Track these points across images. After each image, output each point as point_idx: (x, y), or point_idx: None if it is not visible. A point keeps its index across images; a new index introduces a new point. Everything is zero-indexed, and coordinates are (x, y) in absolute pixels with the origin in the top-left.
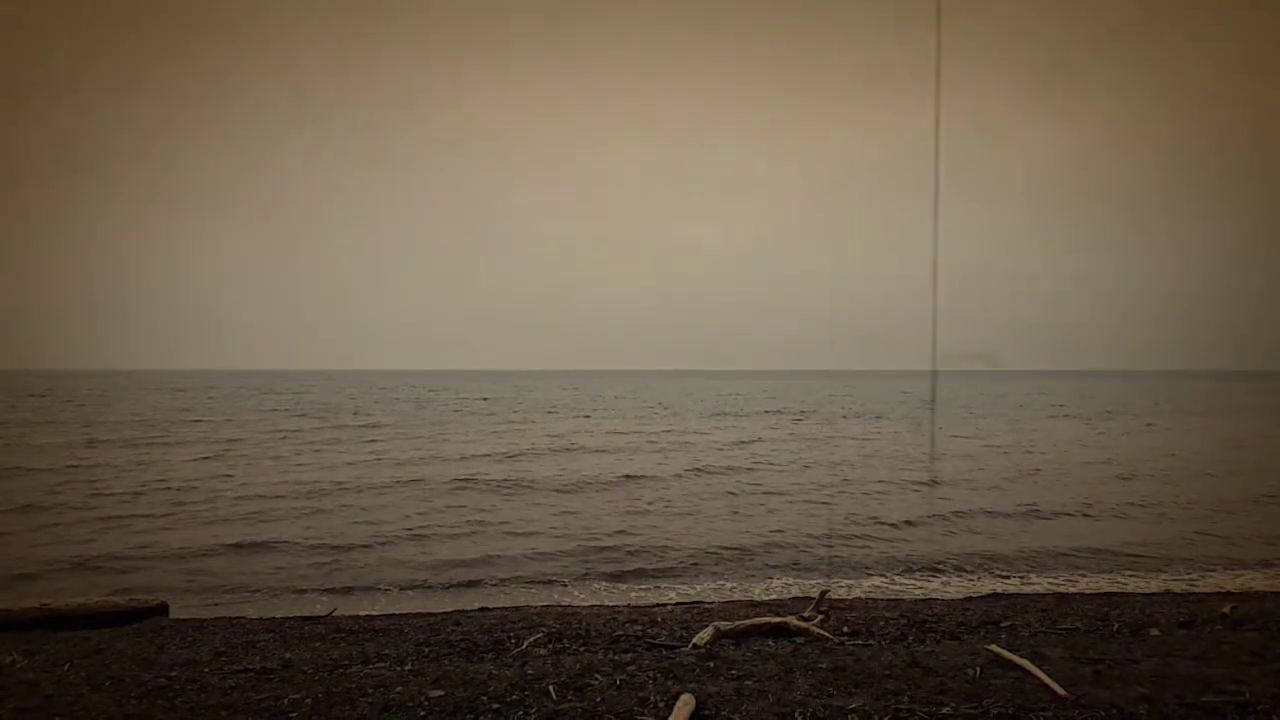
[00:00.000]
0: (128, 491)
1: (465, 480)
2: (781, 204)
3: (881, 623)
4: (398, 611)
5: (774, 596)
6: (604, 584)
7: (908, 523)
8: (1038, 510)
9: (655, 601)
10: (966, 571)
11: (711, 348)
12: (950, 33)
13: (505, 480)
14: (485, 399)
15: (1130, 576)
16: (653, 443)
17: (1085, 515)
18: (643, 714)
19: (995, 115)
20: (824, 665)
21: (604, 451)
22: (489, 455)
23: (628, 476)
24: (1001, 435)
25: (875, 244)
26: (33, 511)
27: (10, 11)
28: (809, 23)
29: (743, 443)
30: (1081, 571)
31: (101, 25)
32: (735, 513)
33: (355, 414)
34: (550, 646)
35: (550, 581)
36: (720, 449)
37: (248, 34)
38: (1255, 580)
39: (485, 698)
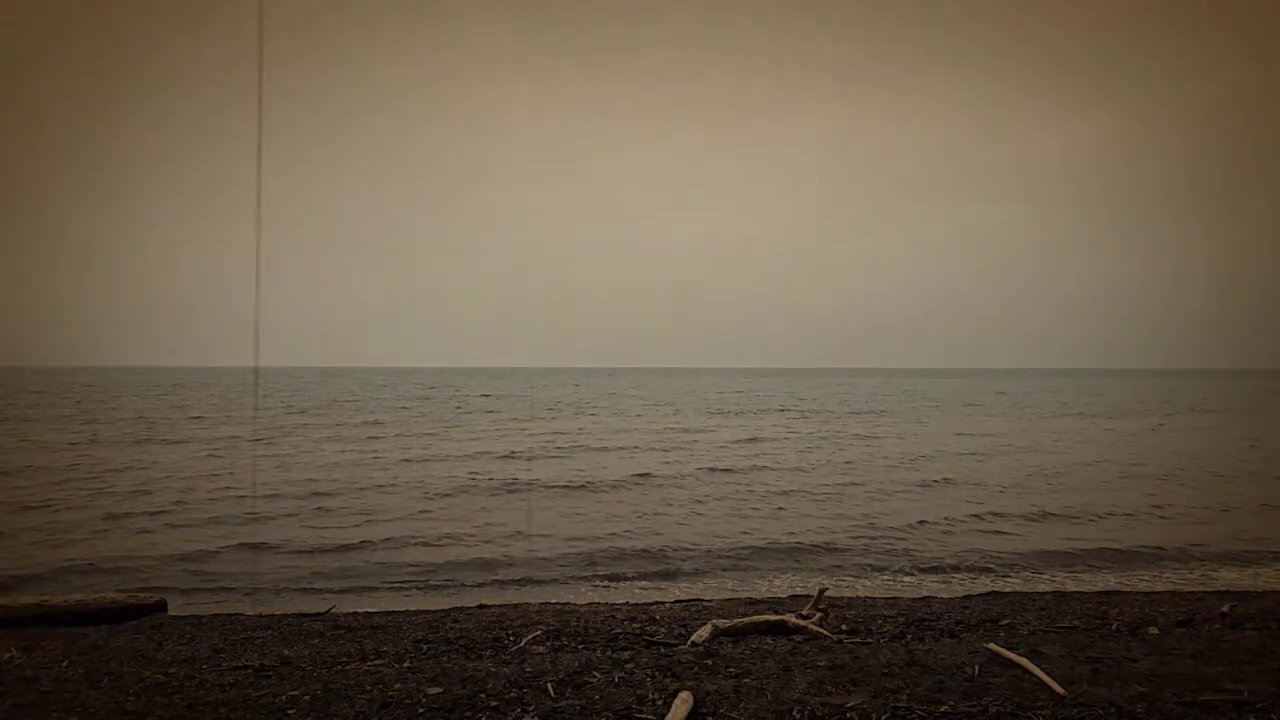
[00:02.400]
0: (128, 489)
1: (466, 478)
2: (783, 203)
3: (880, 621)
4: (396, 609)
5: (772, 594)
6: (603, 582)
7: (922, 521)
8: (1040, 509)
9: (654, 599)
10: (965, 570)
11: (715, 345)
12: (959, 33)
13: (507, 478)
14: (487, 395)
15: (1132, 575)
16: (657, 440)
17: (1089, 514)
18: (641, 711)
19: (1001, 115)
20: (822, 663)
21: (606, 450)
22: (490, 453)
23: (630, 475)
24: (1006, 433)
25: (878, 245)
26: (33, 509)
27: (9, 10)
28: (809, 22)
29: (744, 440)
30: (1083, 571)
31: (100, 25)
32: (736, 511)
33: (356, 411)
34: (549, 644)
35: (549, 580)
36: (722, 447)
37: (247, 33)
38: (1257, 579)
39: (483, 695)
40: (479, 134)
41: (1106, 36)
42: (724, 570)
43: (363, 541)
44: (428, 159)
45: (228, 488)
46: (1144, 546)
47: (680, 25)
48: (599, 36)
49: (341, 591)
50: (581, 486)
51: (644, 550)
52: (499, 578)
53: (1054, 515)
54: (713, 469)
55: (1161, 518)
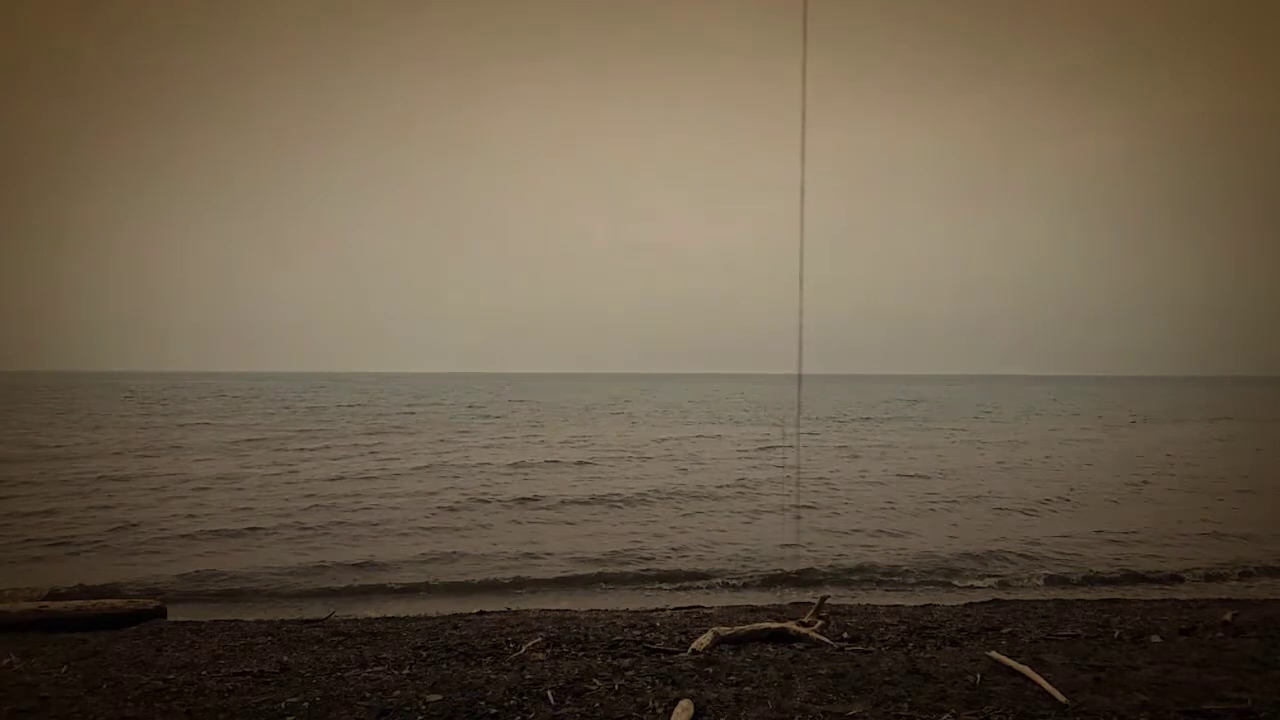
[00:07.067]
0: (129, 494)
1: (469, 483)
2: (783, 208)
3: (881, 628)
4: (396, 615)
5: (774, 602)
6: (603, 588)
7: (960, 528)
8: (1051, 514)
9: (654, 606)
10: (967, 577)
11: (724, 349)
12: (969, 42)
13: (508, 483)
14: (491, 400)
15: (1135, 584)
16: (663, 448)
17: (1102, 522)
18: None
19: (1013, 125)
20: (824, 671)
21: (611, 457)
22: (493, 460)
23: (634, 480)
24: (1023, 442)
25: (882, 249)
26: (36, 514)
27: (12, 9)
28: (809, 24)
29: (748, 448)
30: (1087, 579)
31: (104, 26)
32: (737, 516)
33: (361, 417)
34: (548, 651)
35: (550, 587)
36: (725, 454)
37: (248, 37)
38: (1259, 588)
39: (483, 702)
40: (485, 138)
41: (1115, 48)
42: (724, 577)
43: (364, 547)
44: (429, 160)
45: (229, 493)
46: (1153, 551)
47: (686, 29)
48: (610, 41)
49: (341, 596)
50: (583, 492)
51: (643, 556)
52: (500, 584)
53: (1065, 522)
54: (714, 474)
55: (1170, 522)
